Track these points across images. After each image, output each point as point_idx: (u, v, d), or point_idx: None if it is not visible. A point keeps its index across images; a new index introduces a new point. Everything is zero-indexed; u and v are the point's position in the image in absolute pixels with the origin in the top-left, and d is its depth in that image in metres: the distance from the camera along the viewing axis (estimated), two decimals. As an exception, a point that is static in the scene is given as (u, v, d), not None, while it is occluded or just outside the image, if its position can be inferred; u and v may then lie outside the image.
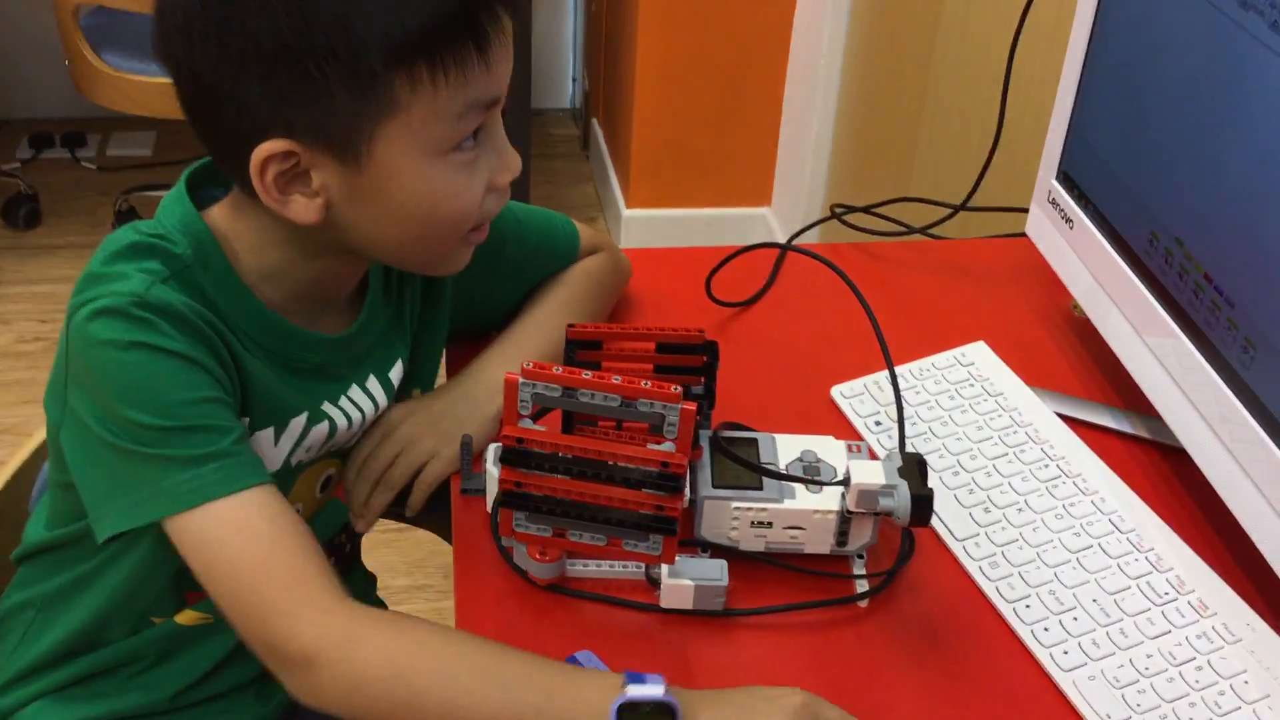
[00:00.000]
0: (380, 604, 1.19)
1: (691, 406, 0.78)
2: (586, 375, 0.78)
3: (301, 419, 0.91)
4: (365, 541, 1.16)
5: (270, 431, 0.90)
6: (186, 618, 0.97)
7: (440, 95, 0.78)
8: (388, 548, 1.98)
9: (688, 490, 0.87)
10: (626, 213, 2.78)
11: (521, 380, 0.79)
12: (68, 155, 3.06)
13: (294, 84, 0.77)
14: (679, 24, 2.55)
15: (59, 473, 0.91)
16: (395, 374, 0.99)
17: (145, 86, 2.31)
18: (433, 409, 0.99)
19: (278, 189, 0.80)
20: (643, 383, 0.77)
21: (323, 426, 0.93)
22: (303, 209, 0.81)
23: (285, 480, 0.94)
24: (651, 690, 0.73)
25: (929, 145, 1.97)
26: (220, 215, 0.87)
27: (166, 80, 0.82)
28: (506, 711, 0.74)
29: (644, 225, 2.77)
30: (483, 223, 0.88)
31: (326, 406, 0.93)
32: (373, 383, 0.97)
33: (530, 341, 1.03)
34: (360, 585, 1.16)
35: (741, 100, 2.66)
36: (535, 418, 0.94)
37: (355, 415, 0.95)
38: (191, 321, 0.81)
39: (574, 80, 3.46)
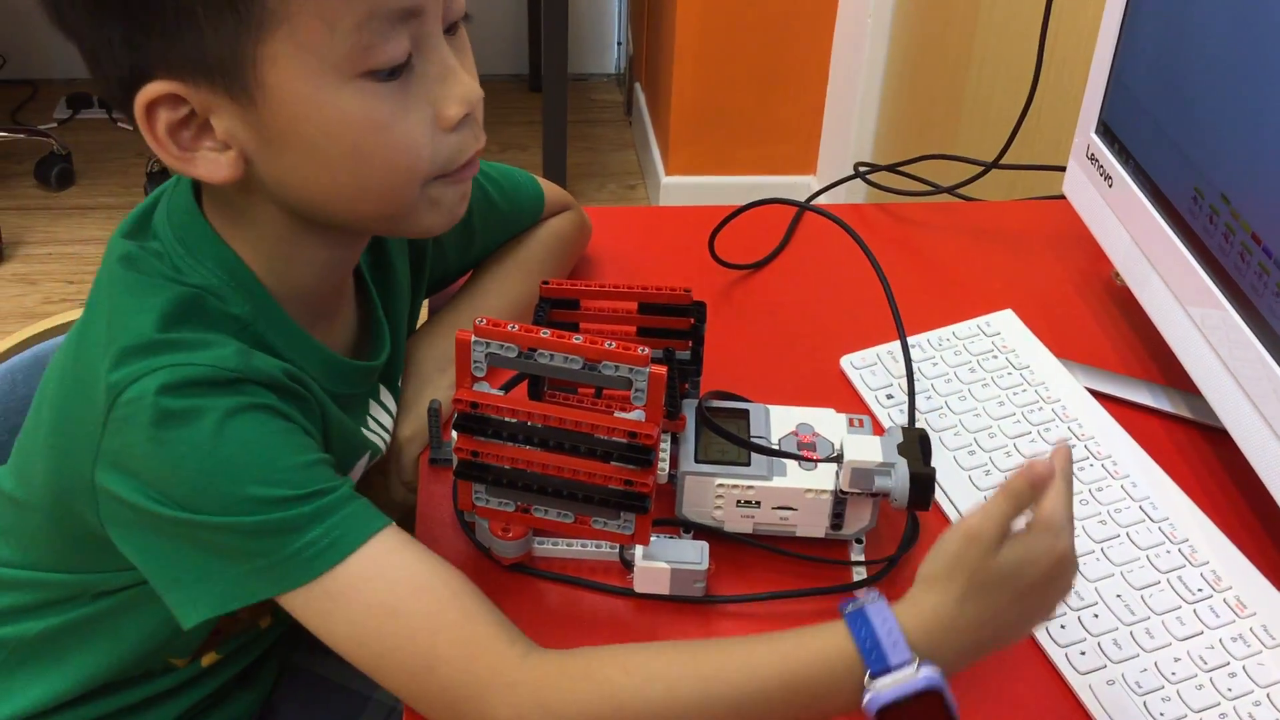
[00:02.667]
0: None
1: (661, 370, 0.70)
2: (544, 334, 0.70)
3: (364, 461, 0.84)
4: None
5: None
6: (211, 659, 0.89)
7: (324, 1, 0.65)
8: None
9: (666, 465, 0.80)
10: (666, 180, 2.69)
11: (474, 339, 0.71)
12: (104, 116, 3.04)
13: (151, 8, 0.65)
14: (721, -17, 2.45)
15: (15, 516, 0.82)
16: (399, 376, 0.91)
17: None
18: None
19: (177, 144, 0.69)
20: (606, 343, 0.70)
21: (365, 458, 0.86)
22: (212, 165, 0.70)
23: None
24: (904, 681, 0.63)
25: (973, 109, 1.87)
26: (217, 220, 0.75)
27: None
28: (748, 704, 0.66)
29: (683, 192, 2.69)
30: (453, 167, 0.73)
31: (366, 434, 0.86)
32: (384, 393, 0.89)
33: (482, 306, 0.95)
34: None
35: (785, 64, 2.56)
36: (510, 385, 0.87)
37: (384, 435, 0.88)
38: (291, 389, 0.72)
39: (619, 44, 3.37)
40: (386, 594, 0.68)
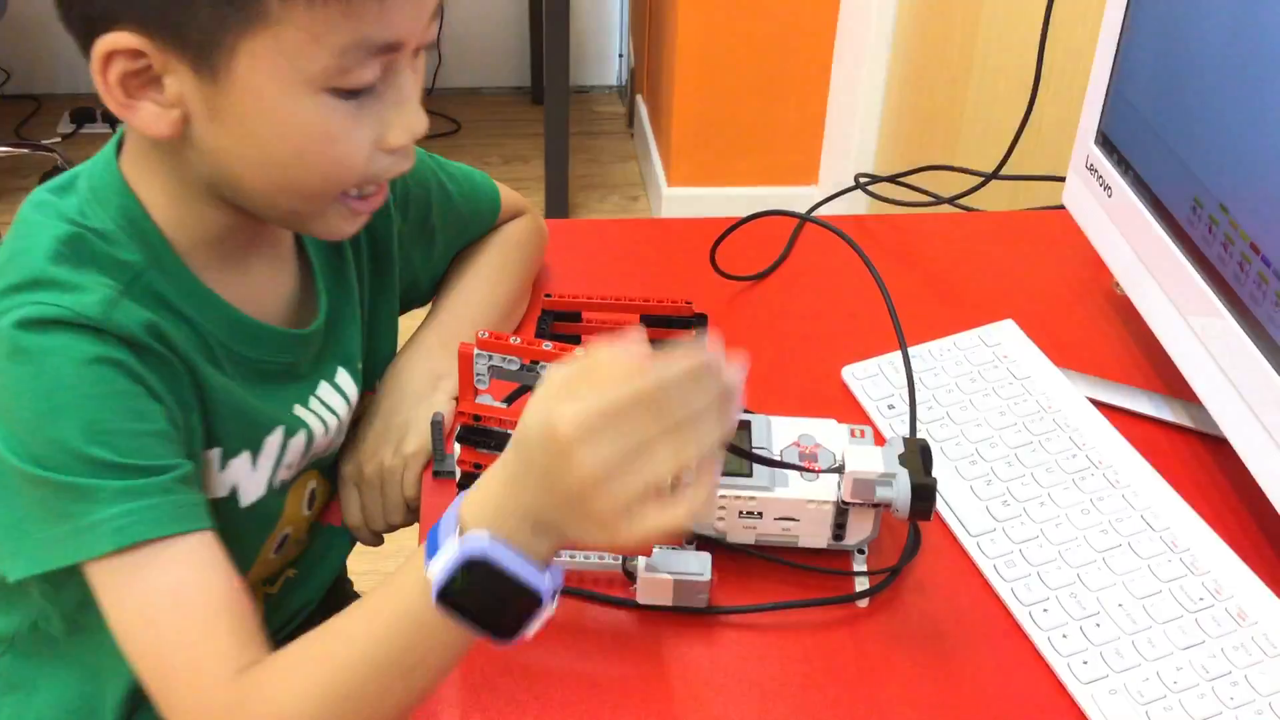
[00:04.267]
0: None
1: None
2: (547, 346, 0.71)
3: (278, 434, 0.83)
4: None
5: (246, 456, 0.82)
6: None
7: (318, 16, 0.66)
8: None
9: (668, 476, 0.80)
10: (667, 191, 2.70)
11: (476, 352, 0.72)
12: (108, 130, 3.05)
13: None
14: (722, -5, 2.46)
15: None
16: (358, 361, 0.91)
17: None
18: (377, 427, 0.91)
19: (124, 92, 0.69)
20: (608, 355, 0.70)
21: (299, 437, 0.85)
22: (153, 118, 0.70)
23: (273, 503, 0.86)
24: (448, 557, 0.60)
25: (974, 120, 1.87)
26: (128, 166, 0.76)
27: None
28: (377, 649, 0.65)
29: (685, 203, 2.69)
30: (371, 187, 0.76)
31: (299, 411, 0.85)
32: (342, 376, 0.89)
33: (462, 317, 0.94)
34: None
35: (787, 75, 2.57)
36: (512, 398, 0.88)
37: (330, 418, 0.87)
38: (153, 349, 0.72)
39: (620, 56, 3.39)
40: (166, 564, 0.69)
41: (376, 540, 0.93)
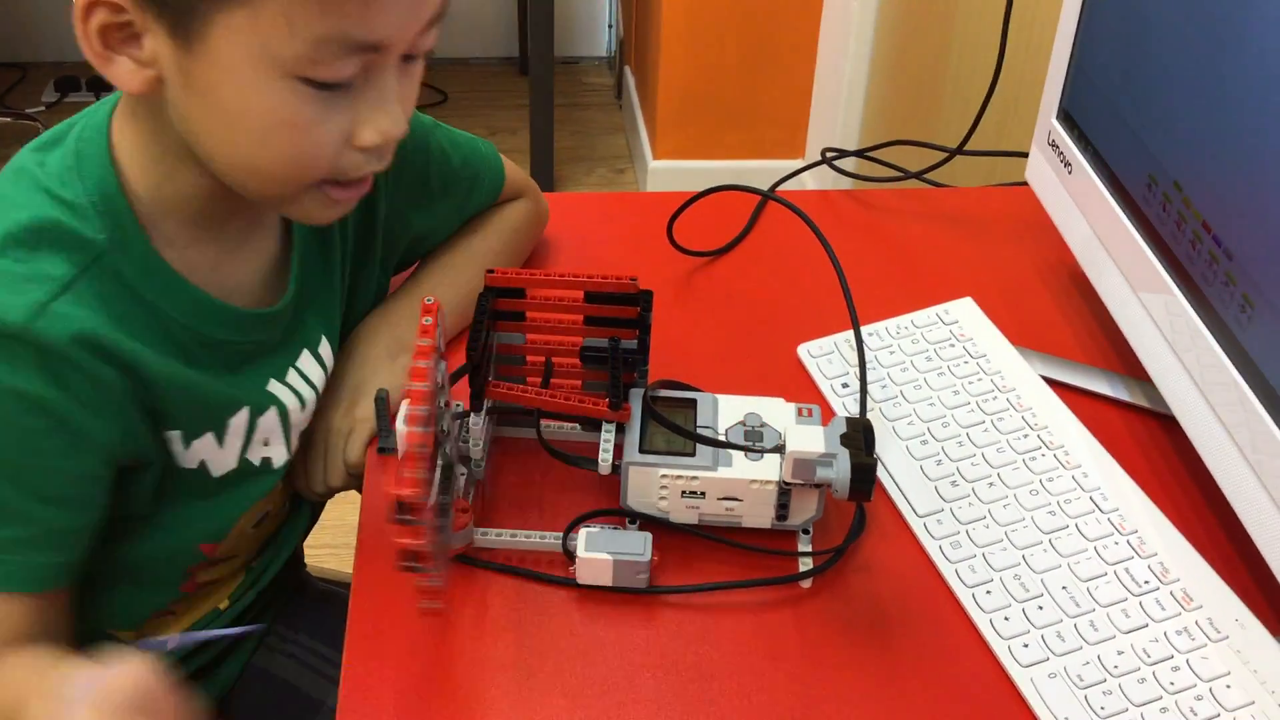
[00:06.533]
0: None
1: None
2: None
3: (243, 415, 0.82)
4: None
5: (209, 437, 0.81)
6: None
7: (295, 4, 0.65)
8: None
9: (610, 455, 0.79)
10: (653, 164, 2.68)
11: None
12: (93, 99, 3.03)
13: None
14: (707, -35, 2.44)
15: None
16: (338, 331, 0.90)
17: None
18: (330, 386, 0.90)
19: (103, 43, 0.69)
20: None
21: (270, 414, 0.84)
22: (128, 74, 0.70)
23: (256, 478, 0.85)
24: None
25: (954, 94, 1.85)
26: (117, 125, 0.76)
27: None
28: None
29: (671, 177, 2.67)
30: (345, 180, 0.75)
31: (273, 387, 0.84)
32: (324, 347, 0.88)
33: (441, 295, 0.94)
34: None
35: (773, 49, 2.54)
36: (458, 375, 0.87)
37: (307, 391, 0.86)
38: (77, 364, 0.71)
39: (609, 27, 3.36)
40: None
41: (319, 500, 0.93)
